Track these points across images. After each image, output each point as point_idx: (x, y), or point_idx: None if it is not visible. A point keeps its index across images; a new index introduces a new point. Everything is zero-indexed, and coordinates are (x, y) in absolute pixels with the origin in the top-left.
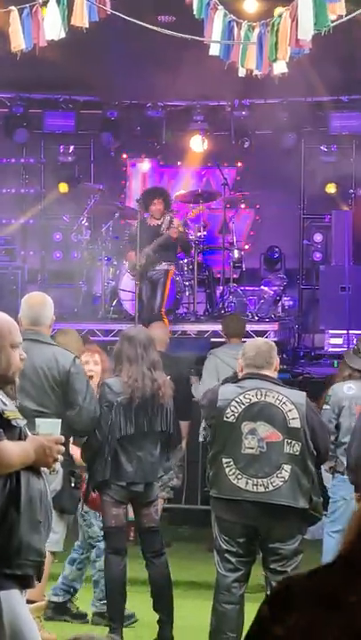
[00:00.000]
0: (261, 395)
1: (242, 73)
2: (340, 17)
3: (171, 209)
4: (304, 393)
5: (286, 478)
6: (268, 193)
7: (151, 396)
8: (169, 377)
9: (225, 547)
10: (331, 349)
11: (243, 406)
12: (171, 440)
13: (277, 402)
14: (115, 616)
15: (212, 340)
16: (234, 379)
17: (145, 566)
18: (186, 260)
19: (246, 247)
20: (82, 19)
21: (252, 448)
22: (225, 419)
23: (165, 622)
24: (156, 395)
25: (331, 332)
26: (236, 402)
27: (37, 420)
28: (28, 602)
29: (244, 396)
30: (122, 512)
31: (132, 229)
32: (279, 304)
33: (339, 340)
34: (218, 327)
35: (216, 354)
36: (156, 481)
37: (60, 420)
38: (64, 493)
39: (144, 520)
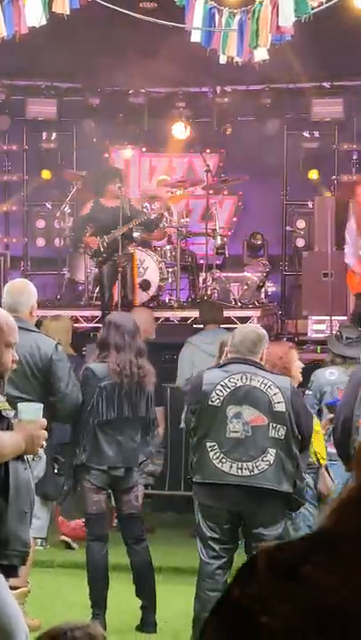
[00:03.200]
0: (247, 379)
1: (223, 60)
2: (321, 4)
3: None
4: (289, 378)
5: (271, 462)
6: (251, 179)
7: (136, 383)
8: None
9: (208, 534)
10: (314, 335)
11: (228, 390)
12: (151, 426)
13: (263, 386)
14: (97, 602)
15: (195, 326)
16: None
17: (126, 553)
18: (169, 247)
19: (229, 233)
20: (63, 6)
21: (237, 432)
22: (210, 402)
23: (148, 608)
24: (141, 382)
25: (314, 317)
26: (222, 385)
27: (20, 405)
28: (12, 588)
29: (230, 380)
30: (102, 498)
31: (87, 214)
32: (262, 290)
33: (322, 326)
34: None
35: (192, 341)
36: (137, 467)
37: (42, 405)
38: (47, 480)
39: (124, 507)
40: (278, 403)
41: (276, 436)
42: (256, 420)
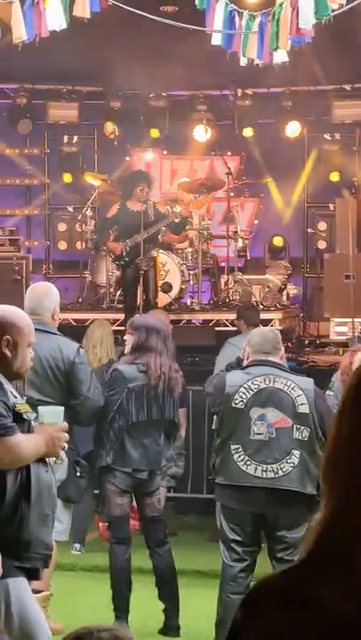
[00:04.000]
0: (270, 381)
1: (243, 62)
2: (341, 6)
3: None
4: (312, 379)
5: (296, 464)
6: (272, 181)
7: (168, 387)
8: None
9: (231, 536)
10: (336, 337)
11: (251, 392)
12: (174, 429)
13: (286, 387)
14: (120, 606)
15: (217, 329)
16: (239, 365)
17: (149, 556)
18: (190, 250)
19: (250, 236)
20: (83, 9)
21: (262, 434)
22: (233, 405)
23: (171, 612)
24: (172, 385)
25: (336, 319)
26: (245, 388)
27: (40, 409)
28: (35, 592)
29: (253, 383)
30: (126, 501)
31: (113, 217)
32: (284, 293)
33: (344, 328)
34: (222, 316)
35: (233, 342)
36: (160, 470)
37: (63, 408)
38: (69, 483)
39: (147, 510)
40: (302, 404)
41: (300, 437)
42: (280, 422)
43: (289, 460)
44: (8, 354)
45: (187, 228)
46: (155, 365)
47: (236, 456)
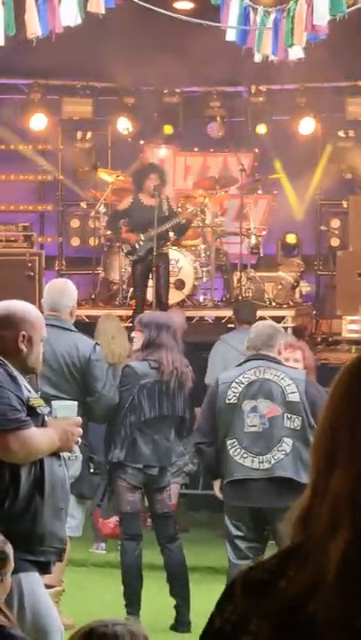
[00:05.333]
0: (260, 372)
1: (258, 58)
2: (356, 2)
3: (165, 186)
4: (304, 371)
5: (288, 451)
6: (285, 179)
7: (178, 382)
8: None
9: (235, 532)
10: (348, 335)
11: (242, 386)
12: (184, 425)
13: (275, 377)
14: (131, 601)
15: (229, 326)
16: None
17: (160, 552)
18: (203, 247)
19: (263, 233)
20: (98, 5)
21: (255, 426)
22: (227, 401)
23: (182, 607)
24: (183, 381)
25: (348, 317)
26: (236, 382)
27: (54, 403)
28: (47, 587)
29: (243, 376)
30: (137, 498)
31: (125, 209)
32: (297, 290)
33: (356, 326)
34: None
35: (225, 339)
36: (170, 466)
37: (77, 403)
38: (83, 479)
39: (157, 506)
40: (292, 393)
41: (292, 426)
42: (271, 412)
43: (280, 448)
44: (24, 349)
45: (195, 225)
46: (167, 361)
47: (232, 451)
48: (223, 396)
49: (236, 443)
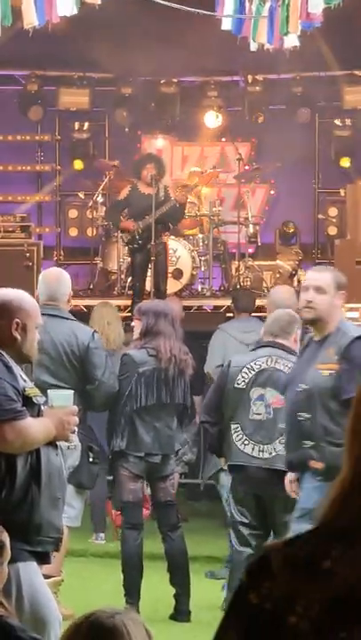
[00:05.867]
0: (272, 361)
1: (254, 47)
2: None
3: (163, 177)
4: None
5: None
6: (283, 168)
7: (178, 370)
8: None
9: (238, 518)
10: None
11: (253, 372)
12: (186, 413)
13: (286, 369)
14: (131, 591)
15: (228, 315)
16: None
17: (161, 541)
18: (201, 236)
19: (261, 222)
20: None
21: (260, 414)
22: (235, 385)
23: (182, 597)
24: (182, 368)
25: (347, 305)
26: (247, 368)
27: (50, 393)
28: (46, 577)
29: (255, 363)
30: (139, 487)
31: (124, 199)
32: (295, 278)
33: (355, 314)
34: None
35: (224, 328)
36: (173, 454)
37: (73, 391)
38: (82, 468)
39: (160, 494)
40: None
41: None
42: (277, 403)
43: (282, 441)
44: (18, 337)
45: (193, 214)
46: (165, 348)
47: (235, 435)
48: (233, 379)
49: (239, 428)
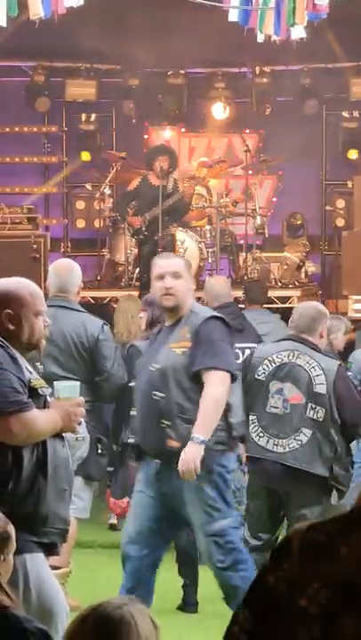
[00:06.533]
0: (293, 356)
1: (260, 38)
2: None
3: (175, 169)
4: (338, 362)
5: (304, 442)
6: (290, 159)
7: None
8: None
9: (251, 509)
10: (354, 315)
11: (274, 365)
12: None
13: (307, 365)
14: None
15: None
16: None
17: None
18: (208, 227)
19: (269, 214)
20: None
21: (277, 408)
22: (256, 376)
23: (190, 587)
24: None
25: (354, 297)
26: (269, 360)
27: (56, 384)
28: (53, 568)
29: (277, 356)
30: None
31: (134, 190)
32: (302, 270)
33: None
34: (241, 294)
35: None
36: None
37: (79, 383)
38: (91, 460)
39: None
40: (320, 384)
41: (315, 417)
42: (295, 399)
43: (297, 438)
44: (11, 327)
45: (200, 205)
46: None
47: (251, 426)
48: (254, 369)
49: (256, 420)
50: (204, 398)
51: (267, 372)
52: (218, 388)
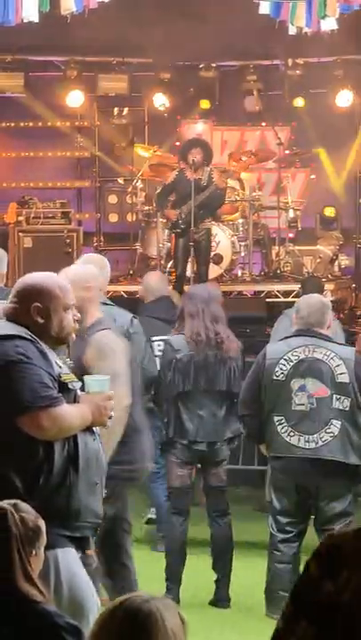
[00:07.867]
0: (309, 351)
1: (292, 31)
2: None
3: (210, 162)
4: (353, 349)
5: (336, 433)
6: (323, 151)
7: (214, 352)
8: None
9: (278, 506)
10: None
11: (291, 364)
12: (234, 399)
13: (325, 357)
14: (172, 576)
15: (268, 300)
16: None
17: (208, 525)
18: (241, 221)
19: (302, 207)
20: None
21: (303, 405)
22: (275, 377)
23: (222, 582)
24: (220, 350)
25: None
26: (285, 360)
27: (86, 378)
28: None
29: (292, 354)
30: (187, 473)
31: (170, 183)
32: (336, 263)
33: None
34: (273, 287)
35: (288, 313)
36: (220, 441)
37: (109, 377)
38: None
39: (212, 479)
40: (341, 374)
41: (341, 407)
42: (319, 392)
43: (328, 430)
44: (40, 321)
45: (232, 199)
46: (191, 331)
47: (279, 427)
48: (270, 371)
49: (283, 420)
50: None
51: (285, 372)
52: None
